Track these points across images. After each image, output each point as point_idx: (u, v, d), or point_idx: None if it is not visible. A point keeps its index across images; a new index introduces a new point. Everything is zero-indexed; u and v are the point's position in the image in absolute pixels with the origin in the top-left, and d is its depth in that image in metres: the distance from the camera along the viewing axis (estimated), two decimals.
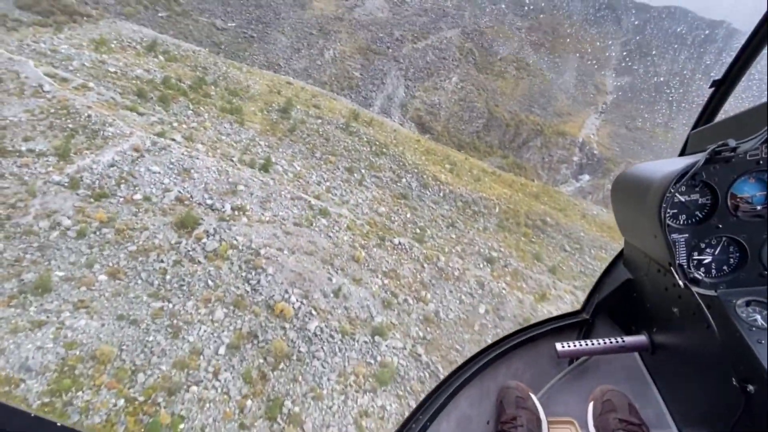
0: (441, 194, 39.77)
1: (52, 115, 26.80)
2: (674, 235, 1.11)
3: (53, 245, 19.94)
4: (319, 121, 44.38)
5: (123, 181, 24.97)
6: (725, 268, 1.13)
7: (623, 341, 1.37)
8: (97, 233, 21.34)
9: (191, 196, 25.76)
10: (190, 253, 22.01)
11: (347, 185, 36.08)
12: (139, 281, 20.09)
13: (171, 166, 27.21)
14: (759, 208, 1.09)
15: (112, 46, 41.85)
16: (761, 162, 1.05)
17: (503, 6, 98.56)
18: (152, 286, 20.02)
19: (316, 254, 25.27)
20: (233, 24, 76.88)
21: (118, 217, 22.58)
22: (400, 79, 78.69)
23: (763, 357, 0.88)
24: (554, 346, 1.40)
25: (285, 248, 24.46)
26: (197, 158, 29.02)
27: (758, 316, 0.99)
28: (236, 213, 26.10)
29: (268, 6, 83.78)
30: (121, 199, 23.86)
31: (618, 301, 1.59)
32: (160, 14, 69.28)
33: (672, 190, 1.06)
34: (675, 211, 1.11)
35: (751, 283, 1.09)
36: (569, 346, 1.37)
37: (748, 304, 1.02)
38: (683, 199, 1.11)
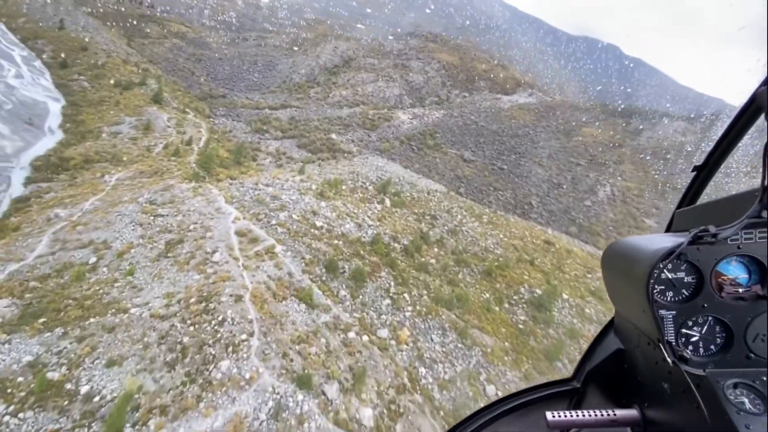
0: None
1: (179, 315, 17.11)
2: (662, 312, 1.13)
3: None
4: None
5: None
6: (712, 347, 1.13)
7: (615, 414, 1.31)
8: None
9: None
10: None
11: None
12: None
13: None
14: (741, 291, 1.11)
15: (344, 188, 36.30)
16: (740, 247, 1.09)
17: None
18: None
19: None
20: (481, 155, 68.39)
21: None
22: None
23: None
24: (544, 414, 1.32)
25: None
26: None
27: (746, 399, 0.99)
28: None
29: (524, 135, 72.04)
30: None
31: (609, 371, 1.55)
32: (412, 148, 69.02)
33: (659, 267, 1.10)
34: (662, 287, 1.14)
35: (739, 364, 1.10)
36: (560, 416, 1.29)
37: (735, 386, 1.03)
38: (670, 276, 1.13)
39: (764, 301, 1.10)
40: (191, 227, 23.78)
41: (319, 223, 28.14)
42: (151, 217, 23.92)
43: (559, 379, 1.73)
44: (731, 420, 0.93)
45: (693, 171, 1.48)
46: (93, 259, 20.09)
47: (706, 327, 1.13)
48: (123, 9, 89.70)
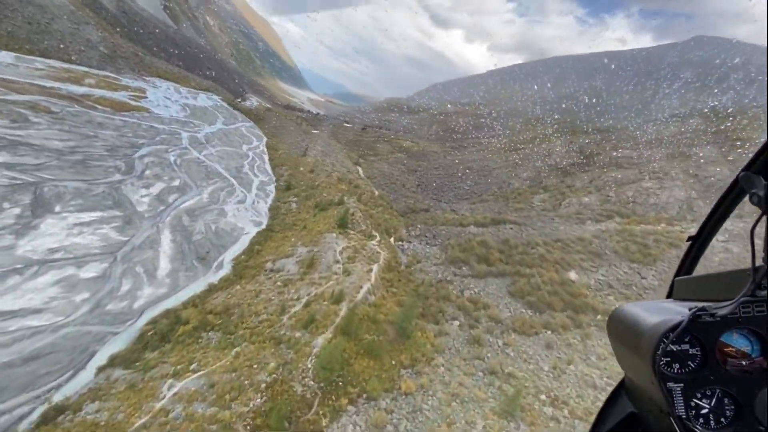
0: None
1: None
2: (670, 384, 1.13)
3: None
4: None
5: None
6: (722, 420, 1.12)
7: None
8: None
9: None
10: None
11: None
12: None
13: None
14: (745, 363, 1.13)
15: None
16: (740, 320, 1.12)
17: None
18: None
19: None
20: None
21: None
22: None
23: None
24: None
25: None
26: None
27: None
28: None
29: None
30: None
31: None
32: None
33: (664, 342, 1.11)
34: (668, 359, 1.15)
35: None
36: None
37: None
38: (675, 349, 1.15)
39: None
40: None
41: None
42: None
43: None
44: None
45: (688, 241, 1.59)
46: None
47: (714, 399, 1.12)
48: (363, 136, 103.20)
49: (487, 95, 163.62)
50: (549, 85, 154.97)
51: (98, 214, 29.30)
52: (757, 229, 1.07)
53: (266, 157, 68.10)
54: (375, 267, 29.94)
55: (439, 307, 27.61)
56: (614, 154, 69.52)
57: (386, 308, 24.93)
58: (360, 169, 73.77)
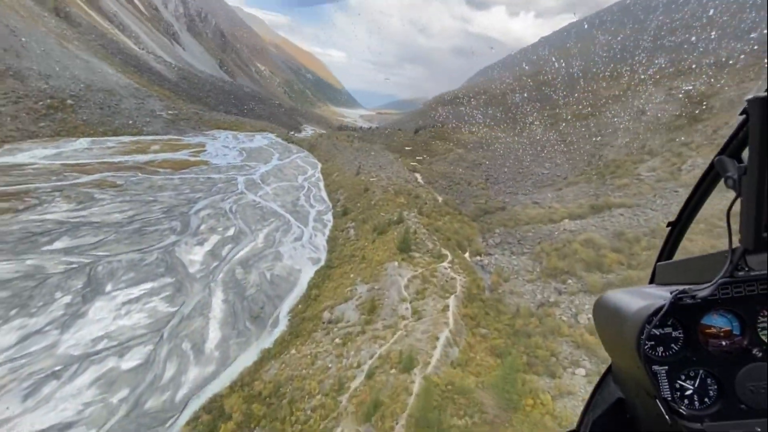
0: None
1: None
2: (655, 367, 1.16)
3: None
4: None
5: None
6: (707, 400, 1.15)
7: None
8: None
9: None
10: None
11: None
12: None
13: None
14: (725, 344, 1.16)
15: None
16: (720, 302, 1.15)
17: None
18: None
19: None
20: None
21: None
22: None
23: None
24: None
25: None
26: None
27: None
28: None
29: None
30: None
31: (612, 422, 1.54)
32: None
33: (647, 327, 1.14)
34: (652, 342, 1.18)
35: (733, 415, 1.12)
36: None
37: None
38: (658, 332, 1.17)
39: (748, 353, 1.14)
40: None
41: None
42: None
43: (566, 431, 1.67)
44: None
45: (667, 226, 1.61)
46: None
47: (698, 380, 1.16)
48: (417, 139, 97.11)
49: (544, 63, 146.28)
50: (621, 34, 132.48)
51: (149, 285, 27.83)
52: (733, 211, 1.07)
53: (322, 184, 65.96)
54: (451, 301, 23.59)
55: (549, 347, 20.21)
56: (735, 92, 53.43)
57: (476, 364, 18.44)
58: (418, 176, 67.85)
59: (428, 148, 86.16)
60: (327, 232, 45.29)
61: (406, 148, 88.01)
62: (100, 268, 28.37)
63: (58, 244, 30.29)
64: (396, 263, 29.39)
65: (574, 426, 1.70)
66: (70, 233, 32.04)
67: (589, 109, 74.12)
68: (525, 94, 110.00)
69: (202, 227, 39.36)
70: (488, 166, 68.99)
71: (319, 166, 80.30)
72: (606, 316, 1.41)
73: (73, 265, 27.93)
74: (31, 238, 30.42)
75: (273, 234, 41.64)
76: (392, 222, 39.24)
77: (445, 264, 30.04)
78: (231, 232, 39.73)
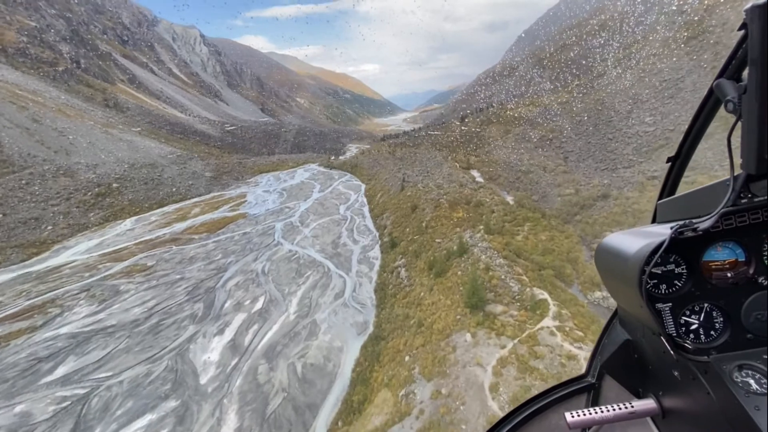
0: None
1: None
2: (659, 305, 1.15)
3: None
4: None
5: None
6: (713, 333, 1.14)
7: (633, 407, 1.31)
8: None
9: None
10: None
11: None
12: None
13: None
14: (730, 275, 1.13)
15: None
16: (723, 232, 1.12)
17: None
18: None
19: None
20: None
21: None
22: None
23: (762, 424, 0.90)
24: (563, 415, 1.32)
25: None
26: None
27: (752, 380, 1.00)
28: None
29: None
30: None
31: (621, 363, 1.54)
32: None
33: (648, 265, 1.11)
34: (655, 281, 1.16)
35: (740, 346, 1.11)
36: (579, 416, 1.29)
37: (741, 368, 1.04)
38: (659, 271, 1.15)
39: (754, 282, 1.12)
40: None
41: None
42: None
43: (574, 378, 1.69)
44: (740, 404, 0.94)
45: (667, 162, 1.51)
46: None
47: (703, 314, 1.14)
48: (465, 128, 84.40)
49: (582, 12, 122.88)
50: None
51: (146, 419, 21.16)
52: (734, 136, 1.01)
53: (366, 209, 57.58)
54: None
55: None
56: None
57: None
58: (475, 173, 55.91)
59: (480, 136, 73.28)
60: (374, 275, 36.19)
61: (455, 141, 76.10)
62: (95, 401, 22.53)
63: (60, 371, 25.51)
64: (468, 335, 18.86)
65: (583, 371, 1.68)
66: (77, 350, 27.33)
67: (658, 47, 55.42)
68: (575, 51, 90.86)
69: (228, 304, 32.90)
70: (562, 140, 54.44)
71: (363, 187, 72.41)
72: (607, 260, 1.35)
73: (65, 403, 22.43)
74: (35, 367, 26.06)
75: (309, 295, 33.70)
76: (452, 254, 28.65)
77: (548, 321, 18.70)
78: (259, 304, 32.64)
